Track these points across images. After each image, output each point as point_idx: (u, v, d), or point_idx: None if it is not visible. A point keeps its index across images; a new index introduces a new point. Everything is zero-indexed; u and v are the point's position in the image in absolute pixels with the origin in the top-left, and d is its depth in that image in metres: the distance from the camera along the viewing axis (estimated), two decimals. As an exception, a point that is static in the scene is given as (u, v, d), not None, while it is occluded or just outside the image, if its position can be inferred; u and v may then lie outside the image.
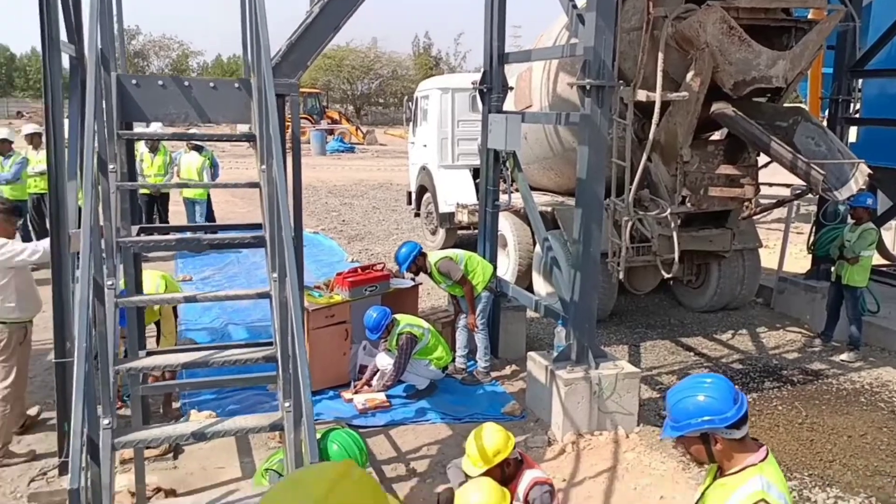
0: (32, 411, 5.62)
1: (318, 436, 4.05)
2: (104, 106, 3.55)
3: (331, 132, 35.59)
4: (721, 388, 2.37)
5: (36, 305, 5.25)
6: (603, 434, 5.60)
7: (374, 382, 6.45)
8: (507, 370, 7.09)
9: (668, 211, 6.68)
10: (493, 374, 6.88)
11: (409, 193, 13.77)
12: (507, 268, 9.53)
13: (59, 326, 4.78)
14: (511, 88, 7.55)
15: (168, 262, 10.81)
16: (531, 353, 6.15)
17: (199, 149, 11.66)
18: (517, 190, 7.70)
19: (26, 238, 10.10)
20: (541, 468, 4.10)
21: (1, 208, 5.16)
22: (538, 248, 8.93)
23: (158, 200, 11.74)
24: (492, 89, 7.09)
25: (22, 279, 5.07)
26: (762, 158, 7.13)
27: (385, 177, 23.21)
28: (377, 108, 59.89)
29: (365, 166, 27.20)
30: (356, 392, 6.34)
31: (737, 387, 2.46)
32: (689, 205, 7.03)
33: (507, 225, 9.52)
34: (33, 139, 10.53)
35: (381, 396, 6.25)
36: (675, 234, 6.67)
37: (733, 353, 7.80)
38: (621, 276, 6.97)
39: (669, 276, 7.23)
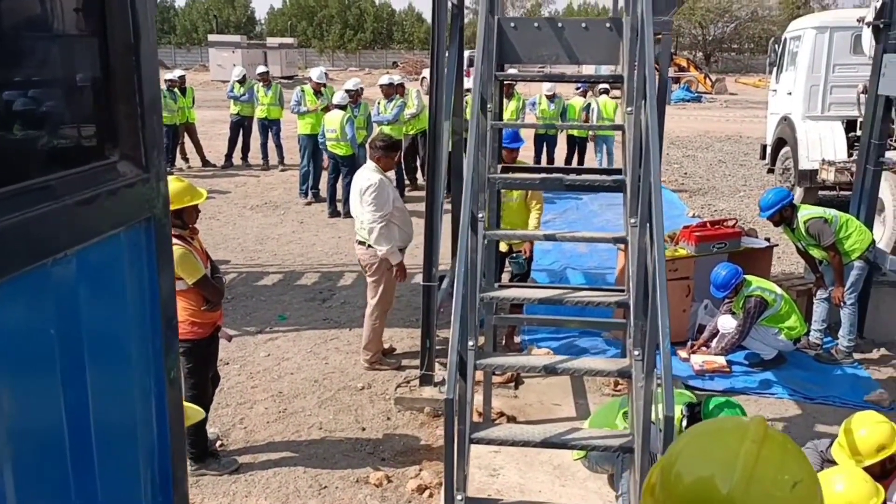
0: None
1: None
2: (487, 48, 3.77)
3: (677, 80, 34.00)
4: None
5: (406, 237, 5.74)
6: None
7: (712, 344, 6.12)
8: (875, 353, 6.20)
9: None
10: (856, 355, 6.06)
11: (764, 147, 12.59)
12: (881, 236, 8.25)
13: (429, 253, 5.31)
14: (916, 24, 6.35)
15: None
16: (912, 338, 5.28)
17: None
18: (908, 146, 6.57)
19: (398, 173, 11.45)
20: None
21: (381, 144, 5.68)
22: (928, 216, 7.58)
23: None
24: (890, 25, 6.05)
25: (398, 214, 5.61)
26: None
27: (734, 128, 21.57)
28: (730, 53, 55.55)
29: (712, 116, 25.58)
30: (693, 351, 6.09)
31: None
32: None
33: (886, 187, 8.19)
34: (398, 89, 11.76)
35: (721, 360, 5.91)
36: None
37: None
38: None
39: None
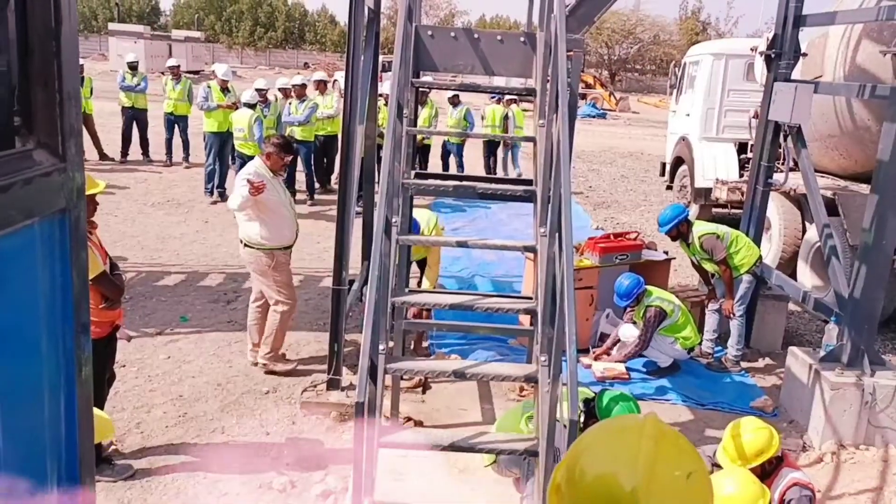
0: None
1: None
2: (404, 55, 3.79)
3: (583, 97, 35.13)
4: None
5: (280, 237, 5.48)
6: (870, 450, 5.02)
7: (613, 352, 6.37)
8: (760, 363, 6.61)
9: None
10: (744, 364, 6.44)
11: (664, 164, 13.22)
12: (768, 253, 8.80)
13: (339, 257, 5.27)
14: (804, 55, 6.84)
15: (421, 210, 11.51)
16: (793, 349, 5.66)
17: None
18: (794, 168, 7.04)
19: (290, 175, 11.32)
20: (803, 470, 3.79)
21: (276, 142, 5.54)
22: (809, 234, 8.14)
23: (419, 152, 12.44)
24: (781, 55, 6.49)
25: (268, 214, 5.38)
26: None
27: (636, 146, 22.49)
28: (633, 74, 57.85)
29: (616, 133, 26.57)
30: (596, 358, 6.30)
31: None
32: None
33: (772, 206, 8.74)
34: (319, 86, 11.71)
35: (621, 367, 6.16)
36: None
37: None
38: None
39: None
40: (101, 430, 2.38)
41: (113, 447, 4.47)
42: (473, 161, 14.51)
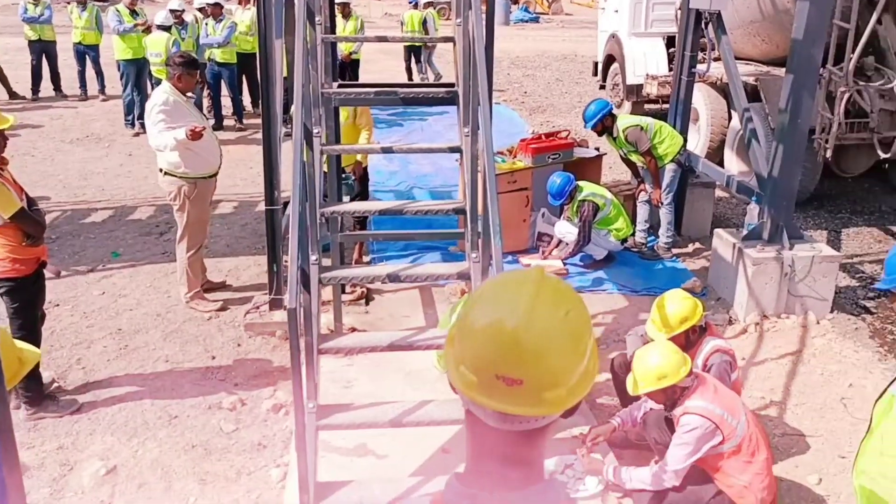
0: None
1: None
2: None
3: (515, 1, 34.42)
4: None
5: (204, 164, 5.30)
6: (790, 318, 5.33)
7: (554, 251, 6.51)
8: (690, 248, 6.86)
9: (896, 82, 5.91)
10: (675, 250, 6.68)
11: (596, 64, 13.18)
12: (697, 143, 8.99)
13: (269, 177, 5.18)
14: (722, -59, 6.80)
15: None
16: (718, 230, 5.88)
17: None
18: (717, 58, 7.12)
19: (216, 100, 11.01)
20: (724, 338, 4.02)
21: (179, 61, 5.25)
22: (734, 122, 8.32)
23: (350, 66, 12.13)
24: (698, -57, 6.45)
25: (189, 142, 5.08)
26: None
27: (570, 48, 22.28)
28: (563, -26, 56.66)
29: (549, 37, 26.21)
30: (545, 258, 6.44)
31: None
32: (923, 75, 6.16)
33: (699, 97, 8.89)
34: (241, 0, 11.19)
35: (559, 264, 6.32)
36: (901, 109, 5.91)
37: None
38: (828, 154, 6.37)
39: (887, 156, 6.50)
40: (22, 360, 2.36)
41: (56, 384, 4.45)
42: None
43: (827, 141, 6.25)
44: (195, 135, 4.97)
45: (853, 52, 5.75)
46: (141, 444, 4.01)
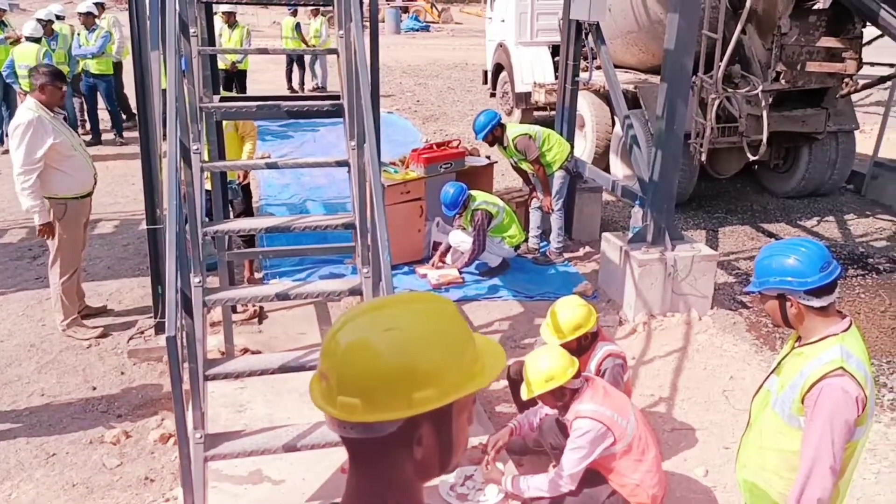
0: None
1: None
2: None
3: (405, 10, 34.60)
4: (812, 255, 2.29)
5: (79, 184, 5.06)
6: (675, 316, 5.58)
7: (447, 259, 6.54)
8: (581, 252, 7.06)
9: (760, 88, 6.30)
10: (566, 255, 6.87)
11: (485, 72, 13.41)
12: (584, 149, 9.30)
13: (149, 195, 4.95)
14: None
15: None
16: (605, 234, 6.08)
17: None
18: (599, 67, 7.38)
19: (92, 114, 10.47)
20: (615, 342, 4.14)
21: (44, 72, 4.92)
22: (617, 128, 8.65)
23: (236, 77, 11.83)
24: (576, -45, 6.67)
25: (58, 161, 4.88)
26: (868, 33, 6.58)
27: (460, 56, 22.60)
28: (453, -16, 57.46)
29: (440, 45, 26.49)
30: (434, 268, 6.45)
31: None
32: (783, 82, 6.61)
33: (584, 104, 9.20)
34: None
35: (455, 273, 6.36)
36: (765, 114, 6.32)
37: (817, 240, 7.52)
38: (703, 158, 6.71)
39: (755, 159, 6.93)
40: None
41: (-87, 428, 4.07)
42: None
43: (701, 145, 6.58)
44: (42, 232, 4.92)
45: (721, 60, 6.08)
46: (15, 487, 3.72)
